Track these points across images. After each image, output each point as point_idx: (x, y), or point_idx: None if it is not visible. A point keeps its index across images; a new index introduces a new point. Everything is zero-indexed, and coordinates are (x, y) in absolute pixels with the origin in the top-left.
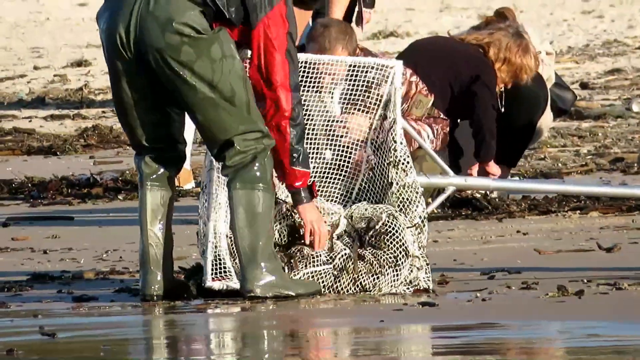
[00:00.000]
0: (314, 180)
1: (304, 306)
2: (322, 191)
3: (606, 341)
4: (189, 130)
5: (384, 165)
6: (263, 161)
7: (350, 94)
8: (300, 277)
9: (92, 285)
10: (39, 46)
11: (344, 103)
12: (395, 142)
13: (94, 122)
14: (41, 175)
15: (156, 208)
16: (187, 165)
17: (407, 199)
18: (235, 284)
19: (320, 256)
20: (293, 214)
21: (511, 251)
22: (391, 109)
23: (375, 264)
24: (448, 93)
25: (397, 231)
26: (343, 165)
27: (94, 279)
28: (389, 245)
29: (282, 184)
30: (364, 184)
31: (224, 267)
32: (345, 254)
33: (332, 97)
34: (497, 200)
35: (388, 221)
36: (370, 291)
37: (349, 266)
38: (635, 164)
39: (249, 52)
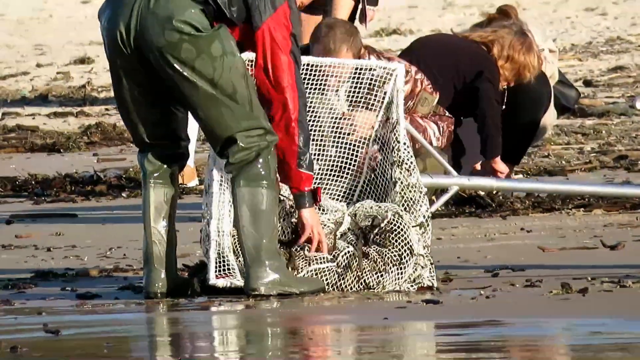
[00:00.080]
0: (319, 187)
1: (307, 304)
2: (327, 189)
3: (610, 339)
4: (193, 127)
5: (386, 165)
6: (267, 158)
7: (355, 94)
8: (303, 275)
9: (95, 283)
10: (42, 43)
11: (349, 102)
12: (398, 142)
13: (97, 119)
14: (44, 173)
15: (159, 206)
16: (190, 162)
17: (411, 199)
18: (239, 281)
19: (323, 255)
20: (295, 208)
21: (515, 249)
22: (394, 110)
23: (379, 262)
24: (451, 90)
25: (402, 229)
26: (348, 164)
27: (97, 276)
28: (394, 244)
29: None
30: (365, 185)
31: (228, 265)
32: (349, 252)
33: (337, 97)
34: (501, 197)
35: (393, 219)
36: (374, 289)
37: (353, 264)
38: None
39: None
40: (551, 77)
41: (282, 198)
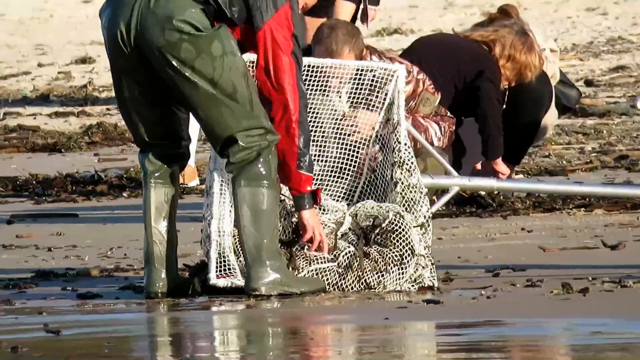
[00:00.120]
0: (319, 188)
1: (308, 304)
2: (327, 190)
3: (611, 339)
4: (194, 127)
5: (387, 166)
6: (267, 158)
7: (356, 95)
8: (304, 275)
9: (96, 283)
10: (43, 43)
11: (351, 102)
12: (399, 142)
13: (99, 119)
14: (45, 173)
15: (160, 205)
16: (191, 162)
17: (412, 199)
18: (239, 281)
19: (324, 255)
20: (295, 209)
21: (516, 249)
22: (395, 111)
23: (380, 262)
24: (452, 90)
25: (403, 230)
26: (349, 164)
27: (98, 276)
28: (395, 244)
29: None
30: (365, 186)
31: (229, 265)
32: (350, 252)
33: (339, 98)
34: (501, 197)
35: (395, 219)
36: (375, 289)
37: (354, 264)
38: None
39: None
40: (552, 77)
41: (282, 197)
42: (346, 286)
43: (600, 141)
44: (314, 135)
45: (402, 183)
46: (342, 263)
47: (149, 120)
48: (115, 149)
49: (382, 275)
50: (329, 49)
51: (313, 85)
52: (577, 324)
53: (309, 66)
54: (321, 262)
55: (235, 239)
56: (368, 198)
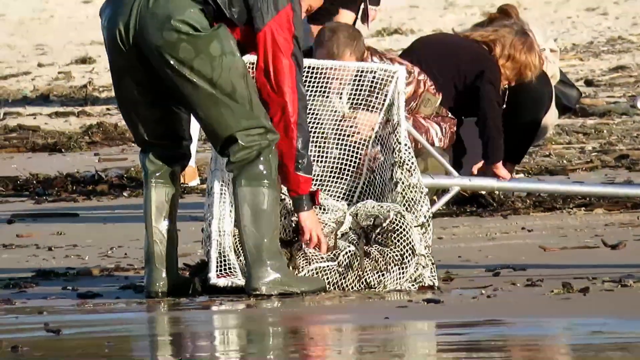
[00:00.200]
0: (318, 189)
1: (308, 303)
2: (327, 190)
3: (611, 338)
4: (194, 127)
5: (386, 166)
6: (268, 157)
7: (357, 96)
8: (304, 274)
9: (96, 282)
10: (43, 43)
11: (351, 104)
12: (399, 143)
13: (99, 119)
14: (46, 172)
15: (161, 205)
16: (192, 162)
17: (412, 199)
18: (240, 280)
19: (323, 255)
20: (294, 211)
21: (516, 248)
22: (395, 112)
23: (381, 262)
24: (452, 90)
25: (404, 229)
26: (349, 165)
27: (98, 275)
28: (395, 243)
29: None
30: (365, 186)
31: (229, 264)
32: (350, 252)
33: (340, 100)
34: (501, 197)
35: (396, 219)
36: (376, 288)
37: (355, 263)
38: None
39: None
40: (552, 77)
41: (283, 197)
42: (346, 285)
43: (601, 141)
44: (314, 136)
45: (403, 183)
46: (343, 262)
47: (149, 119)
48: (115, 148)
49: (383, 275)
50: (330, 52)
51: (314, 86)
52: (578, 324)
53: (309, 67)
54: (321, 261)
55: (235, 238)
56: (368, 198)
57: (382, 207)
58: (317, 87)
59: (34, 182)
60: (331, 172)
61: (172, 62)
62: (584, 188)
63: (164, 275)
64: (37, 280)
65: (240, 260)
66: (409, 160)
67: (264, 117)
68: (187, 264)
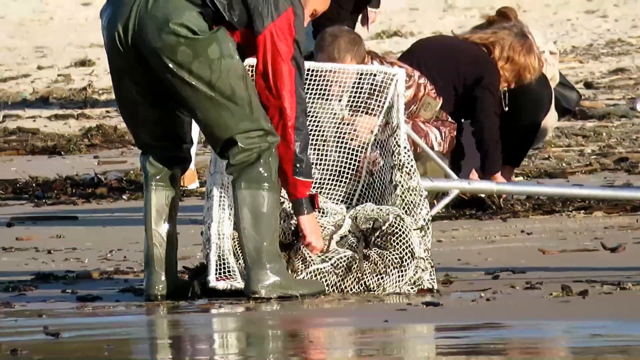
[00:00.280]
0: (316, 192)
1: (307, 306)
2: (326, 194)
3: (610, 341)
4: (194, 130)
5: (386, 169)
6: (268, 160)
7: (357, 99)
8: (303, 277)
9: (96, 285)
10: (43, 46)
11: (351, 108)
12: (399, 146)
13: (98, 121)
14: (45, 175)
15: (161, 208)
16: (191, 165)
17: (412, 202)
18: (239, 283)
19: (317, 257)
20: (293, 214)
21: (515, 251)
22: (394, 115)
23: (380, 265)
24: (452, 92)
25: (403, 232)
26: (348, 168)
27: (98, 278)
28: (395, 246)
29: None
30: (363, 189)
31: (228, 267)
32: (347, 256)
33: (340, 104)
34: (501, 201)
35: (395, 222)
36: (375, 291)
37: (354, 266)
38: None
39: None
40: (552, 79)
41: (282, 200)
42: (345, 286)
43: (600, 143)
44: (314, 140)
45: (402, 186)
46: (342, 265)
47: (148, 121)
48: (115, 151)
49: (382, 278)
50: (331, 56)
51: (314, 90)
52: (577, 327)
53: (310, 71)
54: (316, 263)
55: (235, 241)
56: (367, 201)
57: (381, 210)
58: (317, 90)
59: (34, 185)
60: (330, 175)
61: (170, 65)
62: (583, 191)
63: (163, 278)
64: (37, 283)
65: (239, 263)
66: (408, 163)
67: (264, 120)
68: (187, 267)
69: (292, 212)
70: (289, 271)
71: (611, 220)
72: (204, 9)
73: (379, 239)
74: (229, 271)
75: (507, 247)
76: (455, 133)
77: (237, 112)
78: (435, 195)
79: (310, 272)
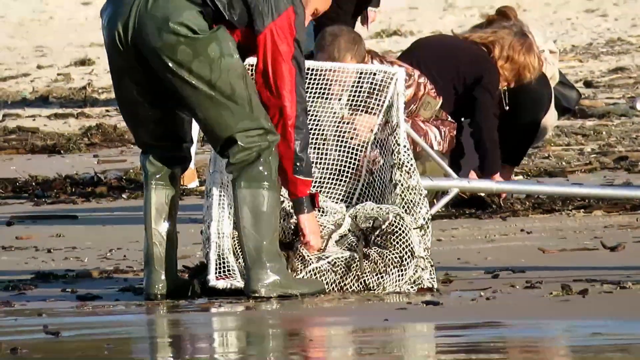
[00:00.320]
0: (317, 192)
1: (307, 305)
2: (326, 193)
3: (610, 340)
4: (193, 129)
5: (385, 168)
6: (268, 158)
7: (357, 98)
8: (303, 276)
9: (96, 284)
10: (43, 45)
11: (350, 107)
12: (398, 144)
13: (98, 120)
14: (45, 174)
15: (161, 207)
16: (191, 164)
17: (411, 201)
18: (239, 282)
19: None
20: (294, 213)
21: (515, 250)
22: (394, 114)
23: (380, 264)
24: (451, 91)
25: (403, 231)
26: (348, 167)
27: (98, 277)
28: (395, 245)
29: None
30: (363, 188)
31: (228, 266)
32: (345, 257)
33: (340, 104)
34: (500, 199)
35: (395, 221)
36: (375, 290)
37: (353, 265)
38: None
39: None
40: (552, 78)
41: (282, 199)
42: (345, 284)
43: (600, 142)
44: (314, 139)
45: (402, 185)
46: (340, 264)
47: (148, 120)
48: (114, 150)
49: (382, 277)
50: (331, 56)
51: (314, 89)
52: (577, 326)
53: (310, 70)
54: (314, 262)
55: (234, 240)
56: (367, 200)
57: (381, 209)
58: (317, 89)
59: (33, 184)
60: (330, 174)
61: (170, 65)
62: (583, 190)
63: (163, 277)
64: (36, 283)
65: (239, 262)
66: (408, 162)
67: (264, 118)
68: (186, 266)
69: (291, 211)
70: (289, 270)
71: (611, 219)
72: (204, 8)
73: (379, 238)
74: (228, 270)
75: (507, 246)
76: (455, 132)
77: (237, 111)
78: (435, 194)
79: (310, 271)
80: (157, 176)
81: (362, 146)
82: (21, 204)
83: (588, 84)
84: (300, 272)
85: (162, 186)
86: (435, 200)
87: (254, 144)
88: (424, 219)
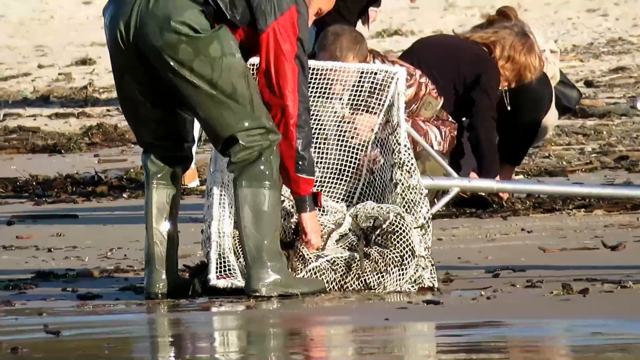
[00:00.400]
0: (320, 191)
1: (308, 305)
2: (327, 192)
3: (611, 339)
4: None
5: (386, 167)
6: (269, 158)
7: (358, 97)
8: (303, 275)
9: (96, 284)
10: (44, 45)
11: (351, 106)
12: (399, 144)
13: (99, 120)
14: (46, 174)
15: (162, 207)
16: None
17: (412, 200)
18: (239, 282)
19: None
20: (296, 212)
21: (516, 249)
22: (395, 113)
23: (380, 263)
24: (452, 91)
25: (404, 231)
26: (349, 167)
27: (98, 277)
28: (395, 245)
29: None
30: (364, 187)
31: (229, 265)
32: (344, 257)
33: (341, 103)
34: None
35: (395, 221)
36: (375, 289)
37: (354, 265)
38: None
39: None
40: (552, 78)
41: (282, 198)
42: (345, 283)
43: (600, 142)
44: (314, 138)
45: (402, 184)
46: (340, 263)
47: (150, 119)
48: (115, 150)
49: (383, 276)
50: (333, 55)
51: (315, 88)
52: (577, 325)
53: (311, 69)
54: (313, 260)
55: (235, 240)
56: (367, 200)
57: (381, 208)
58: (318, 89)
59: (34, 183)
60: (331, 173)
61: (172, 64)
62: (583, 189)
63: (163, 276)
64: (37, 282)
65: (239, 261)
66: (408, 162)
67: (266, 118)
68: (187, 266)
69: (292, 210)
70: (289, 269)
71: (611, 219)
72: (206, 7)
73: (380, 238)
74: (229, 269)
75: (508, 246)
76: (455, 133)
77: (239, 110)
78: (436, 194)
79: (310, 271)
80: (159, 176)
81: (363, 145)
82: (22, 204)
83: (589, 84)
84: (301, 272)
85: (163, 186)
86: (435, 200)
87: (255, 143)
88: (425, 218)
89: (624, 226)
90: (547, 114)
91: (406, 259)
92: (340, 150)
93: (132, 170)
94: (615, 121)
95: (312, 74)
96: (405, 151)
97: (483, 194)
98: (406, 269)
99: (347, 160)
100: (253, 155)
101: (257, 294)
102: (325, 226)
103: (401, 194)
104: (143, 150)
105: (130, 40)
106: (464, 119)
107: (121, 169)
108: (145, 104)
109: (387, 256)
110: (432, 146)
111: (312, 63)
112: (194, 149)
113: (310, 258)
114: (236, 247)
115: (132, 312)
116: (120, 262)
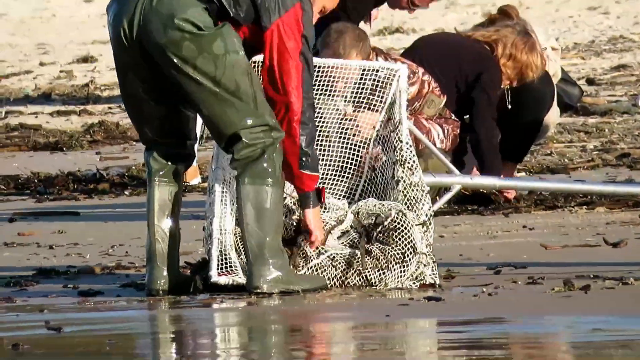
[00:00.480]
0: (323, 187)
1: (309, 301)
2: (329, 189)
3: (612, 336)
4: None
5: (388, 164)
6: (272, 155)
7: (360, 94)
8: (304, 272)
9: (98, 280)
10: (45, 42)
11: (353, 103)
12: (401, 141)
13: (100, 118)
14: (47, 171)
15: (163, 204)
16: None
17: (414, 197)
18: (241, 278)
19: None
20: (299, 207)
21: (517, 246)
22: (396, 110)
23: (382, 260)
24: (454, 89)
25: (406, 228)
26: (351, 164)
27: (99, 273)
28: (397, 242)
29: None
30: (366, 184)
31: (230, 262)
32: (345, 254)
33: (344, 101)
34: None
35: (397, 218)
36: (377, 286)
37: (354, 262)
38: None
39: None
40: (554, 76)
41: (284, 195)
42: (346, 278)
43: (602, 139)
44: (317, 135)
45: (404, 181)
46: (340, 260)
47: (153, 117)
48: (116, 147)
49: (384, 273)
50: (336, 52)
51: (318, 86)
52: (579, 322)
53: (315, 66)
54: (315, 257)
55: (236, 237)
56: (369, 197)
57: (383, 205)
58: (320, 86)
59: (35, 180)
60: (333, 170)
61: (175, 61)
62: (585, 186)
63: (165, 273)
64: (38, 279)
65: (241, 258)
66: (410, 159)
67: (269, 115)
68: (189, 262)
69: (293, 207)
70: (291, 266)
71: (613, 216)
72: (209, 4)
73: (381, 235)
74: (230, 266)
75: (509, 243)
76: (458, 131)
77: (242, 107)
78: (438, 191)
79: (311, 267)
80: (161, 173)
81: (365, 143)
82: (23, 201)
83: (590, 82)
84: (302, 269)
85: (165, 183)
86: (437, 197)
87: (258, 140)
88: (426, 215)
89: (625, 223)
90: (548, 111)
91: (407, 255)
92: (342, 147)
93: (133, 167)
94: (616, 119)
95: (315, 71)
96: (407, 148)
97: (485, 191)
98: (407, 265)
99: (349, 158)
100: (256, 152)
101: (258, 290)
102: (327, 223)
103: (403, 191)
104: (145, 148)
105: (134, 37)
106: (466, 116)
107: (123, 167)
108: (148, 102)
109: (388, 253)
110: (434, 144)
111: (314, 60)
112: (196, 146)
113: (311, 255)
114: (238, 244)
115: (134, 308)
116: (122, 259)
